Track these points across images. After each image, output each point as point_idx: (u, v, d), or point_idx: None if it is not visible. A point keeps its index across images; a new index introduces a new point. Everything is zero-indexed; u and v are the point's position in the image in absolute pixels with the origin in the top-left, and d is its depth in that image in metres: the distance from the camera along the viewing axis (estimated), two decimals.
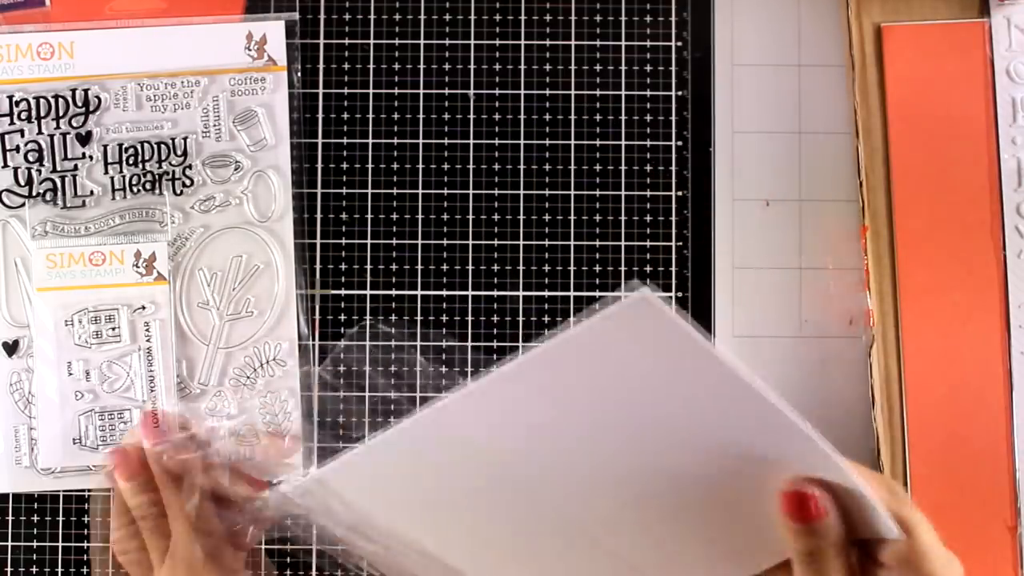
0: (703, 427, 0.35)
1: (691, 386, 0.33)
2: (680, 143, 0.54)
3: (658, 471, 0.36)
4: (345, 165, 0.55)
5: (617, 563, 0.39)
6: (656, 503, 0.37)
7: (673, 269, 0.54)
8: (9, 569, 0.53)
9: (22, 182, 0.53)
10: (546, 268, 0.54)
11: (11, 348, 0.53)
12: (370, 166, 0.55)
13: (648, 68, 0.55)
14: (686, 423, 0.35)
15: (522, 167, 0.55)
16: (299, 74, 0.54)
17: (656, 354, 0.33)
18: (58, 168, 0.53)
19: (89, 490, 0.53)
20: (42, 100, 0.53)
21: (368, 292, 0.54)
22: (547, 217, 0.55)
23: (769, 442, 0.34)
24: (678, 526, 0.38)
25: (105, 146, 0.53)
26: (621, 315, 0.32)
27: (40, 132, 0.53)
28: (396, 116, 0.55)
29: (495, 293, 0.54)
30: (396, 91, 0.55)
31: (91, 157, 0.53)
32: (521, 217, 0.55)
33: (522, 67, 0.55)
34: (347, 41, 0.55)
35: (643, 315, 0.32)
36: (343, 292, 0.54)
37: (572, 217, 0.54)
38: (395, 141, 0.55)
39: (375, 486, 0.39)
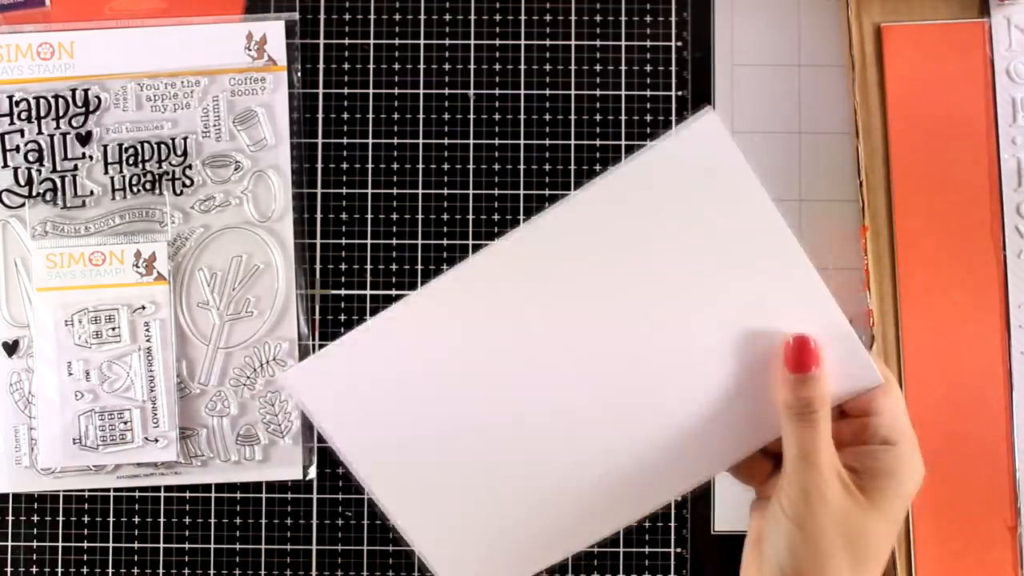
0: (732, 271, 0.37)
1: (734, 222, 0.37)
2: None
3: (676, 336, 0.38)
4: (345, 165, 0.55)
5: (615, 456, 0.40)
6: (666, 376, 0.39)
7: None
8: (9, 569, 0.53)
9: (22, 182, 0.53)
10: None
11: (11, 348, 0.53)
12: (370, 166, 0.55)
13: (648, 68, 0.55)
14: (717, 266, 0.37)
15: (522, 167, 0.55)
16: (299, 74, 0.54)
17: (711, 184, 0.36)
18: (58, 168, 0.53)
19: (89, 490, 0.53)
20: (42, 100, 0.53)
21: (368, 292, 0.54)
22: None
23: (786, 291, 0.37)
24: (682, 406, 0.39)
25: (105, 146, 0.53)
26: (690, 139, 0.36)
27: (40, 132, 0.53)
28: (396, 116, 0.55)
29: None
30: (396, 91, 0.55)
31: (91, 157, 0.53)
32: (521, 217, 0.55)
33: (522, 67, 0.55)
34: (347, 41, 0.55)
35: (709, 141, 0.36)
36: (343, 292, 0.54)
37: None
38: (395, 141, 0.55)
39: (384, 365, 0.39)
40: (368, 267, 0.54)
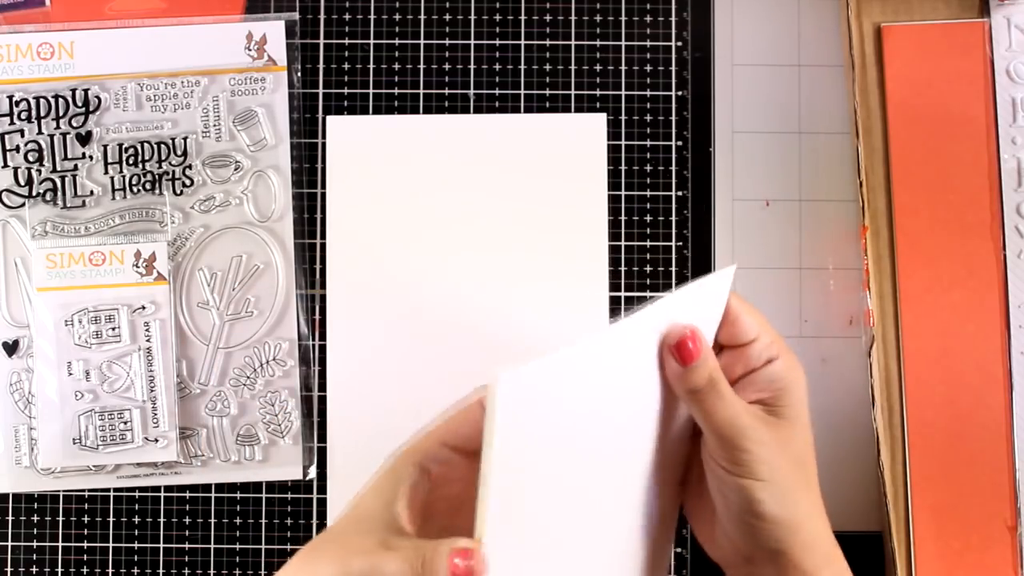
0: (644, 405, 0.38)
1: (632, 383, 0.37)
2: (680, 143, 0.54)
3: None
4: None
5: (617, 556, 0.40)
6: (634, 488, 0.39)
7: (673, 269, 0.54)
8: (9, 569, 0.53)
9: (22, 182, 0.53)
10: None
11: (11, 348, 0.53)
12: None
13: (648, 68, 0.55)
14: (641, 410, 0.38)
15: None
16: (299, 74, 0.54)
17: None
18: (58, 168, 0.53)
19: (89, 490, 0.53)
20: (42, 100, 0.53)
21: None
22: None
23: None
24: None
25: (105, 146, 0.53)
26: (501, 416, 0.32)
27: (40, 132, 0.53)
28: (396, 116, 0.55)
29: None
30: (396, 91, 0.55)
31: (91, 157, 0.53)
32: None
33: (522, 67, 0.55)
34: (347, 41, 0.55)
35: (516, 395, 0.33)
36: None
37: None
38: None
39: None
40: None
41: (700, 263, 0.54)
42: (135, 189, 0.53)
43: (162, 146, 0.53)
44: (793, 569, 0.37)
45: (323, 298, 0.54)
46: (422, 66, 0.55)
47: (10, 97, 0.53)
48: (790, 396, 0.39)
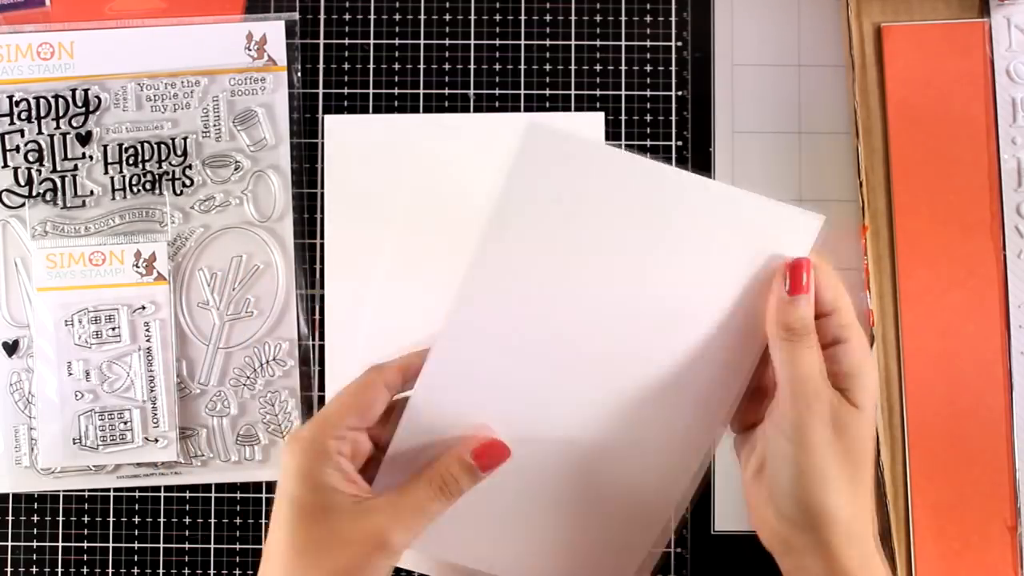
0: (675, 240, 0.38)
1: (639, 199, 0.38)
2: (680, 143, 0.54)
3: (651, 298, 0.39)
4: None
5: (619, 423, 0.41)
6: (653, 336, 0.40)
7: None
8: (9, 569, 0.53)
9: (22, 182, 0.53)
10: None
11: (11, 348, 0.53)
12: None
13: (648, 68, 0.55)
14: (659, 243, 0.39)
15: None
16: (299, 74, 0.54)
17: (593, 181, 0.38)
18: (58, 168, 0.53)
19: (89, 490, 0.53)
20: (42, 100, 0.53)
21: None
22: None
23: (717, 216, 0.38)
24: (672, 357, 0.40)
25: (105, 146, 0.53)
26: (525, 157, 0.37)
27: (40, 132, 0.53)
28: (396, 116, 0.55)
29: None
30: (396, 91, 0.55)
31: (91, 157, 0.53)
32: None
33: (522, 67, 0.55)
34: (347, 41, 0.55)
35: (544, 147, 0.37)
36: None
37: None
38: None
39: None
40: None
41: None
42: (135, 189, 0.53)
43: (162, 146, 0.53)
44: (831, 561, 0.36)
45: (323, 298, 0.54)
46: (422, 66, 0.55)
47: (10, 97, 0.53)
48: (859, 384, 0.37)
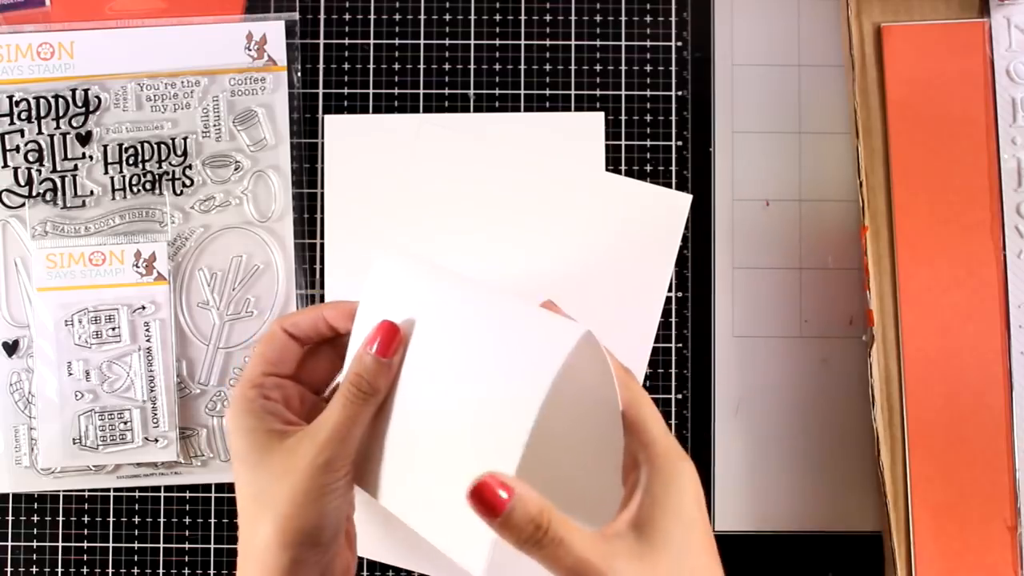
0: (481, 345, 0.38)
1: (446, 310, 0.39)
2: (680, 143, 0.54)
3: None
4: None
5: None
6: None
7: (673, 269, 0.54)
8: (9, 569, 0.53)
9: (22, 182, 0.53)
10: None
11: (11, 348, 0.53)
12: None
13: (648, 68, 0.55)
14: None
15: None
16: (299, 74, 0.54)
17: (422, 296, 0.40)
18: (58, 168, 0.53)
19: (89, 490, 0.53)
20: (42, 100, 0.53)
21: None
22: None
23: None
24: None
25: (105, 146, 0.53)
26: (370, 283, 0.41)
27: (40, 132, 0.53)
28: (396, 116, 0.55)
29: None
30: (396, 91, 0.55)
31: (91, 157, 0.53)
32: None
33: (522, 67, 0.55)
34: (347, 41, 0.55)
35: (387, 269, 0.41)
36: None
37: None
38: None
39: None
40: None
41: (700, 263, 0.54)
42: (135, 189, 0.53)
43: (162, 146, 0.53)
44: None
45: (323, 298, 0.54)
46: (422, 66, 0.55)
47: (10, 97, 0.53)
48: (661, 512, 0.33)
